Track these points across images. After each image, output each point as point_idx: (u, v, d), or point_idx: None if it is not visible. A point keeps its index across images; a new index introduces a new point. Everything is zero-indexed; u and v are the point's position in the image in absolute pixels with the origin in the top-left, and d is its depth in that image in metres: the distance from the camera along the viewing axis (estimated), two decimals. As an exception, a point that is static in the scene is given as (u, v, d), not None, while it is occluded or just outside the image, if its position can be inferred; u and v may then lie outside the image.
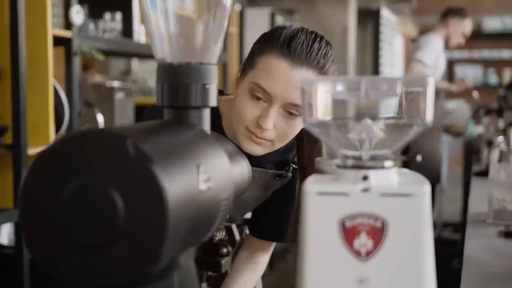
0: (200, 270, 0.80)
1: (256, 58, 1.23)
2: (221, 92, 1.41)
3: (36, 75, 2.38)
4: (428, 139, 4.09)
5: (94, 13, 2.91)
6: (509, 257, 1.47)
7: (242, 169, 0.81)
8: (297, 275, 0.66)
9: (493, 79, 9.15)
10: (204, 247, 0.80)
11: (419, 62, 4.15)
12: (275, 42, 1.21)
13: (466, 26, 4.32)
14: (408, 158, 3.54)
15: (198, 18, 0.76)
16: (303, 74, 1.19)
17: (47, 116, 2.40)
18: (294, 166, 1.42)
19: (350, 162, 0.67)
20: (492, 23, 9.05)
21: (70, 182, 0.57)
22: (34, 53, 2.37)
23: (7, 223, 2.64)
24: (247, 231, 1.49)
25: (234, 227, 0.84)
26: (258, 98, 1.21)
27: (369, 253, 0.63)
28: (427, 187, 0.64)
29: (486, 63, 9.20)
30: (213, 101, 0.75)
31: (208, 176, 0.66)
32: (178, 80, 0.73)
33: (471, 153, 4.36)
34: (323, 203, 0.64)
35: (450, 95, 8.29)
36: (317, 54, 1.21)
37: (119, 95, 2.93)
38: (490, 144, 3.07)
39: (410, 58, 4.37)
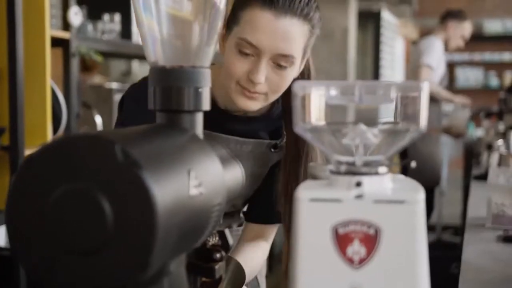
0: (193, 276, 0.79)
1: (239, 12, 1.23)
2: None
3: (34, 76, 2.37)
4: (427, 141, 4.08)
5: (93, 14, 2.90)
6: (508, 262, 1.46)
7: (235, 174, 0.80)
8: (289, 282, 0.65)
9: (494, 81, 9.14)
10: (197, 253, 0.79)
11: (427, 67, 4.15)
12: None
13: (465, 28, 4.31)
14: (403, 164, 3.54)
15: (191, 20, 0.75)
16: (288, 23, 1.19)
17: (45, 118, 2.39)
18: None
19: (343, 168, 0.66)
20: (493, 26, 9.05)
21: (58, 187, 0.56)
22: (32, 54, 2.36)
23: (4, 225, 2.62)
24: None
25: (227, 231, 0.83)
26: (247, 54, 1.21)
27: (362, 261, 0.62)
28: (421, 194, 0.63)
29: (487, 66, 9.19)
30: (206, 105, 0.75)
31: (200, 181, 0.65)
32: (170, 83, 0.72)
33: (471, 156, 4.35)
34: (315, 210, 0.64)
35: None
36: (300, 1, 1.20)
37: (118, 97, 2.92)
38: (490, 147, 3.06)
39: (414, 63, 4.33)
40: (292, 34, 1.20)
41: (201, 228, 0.67)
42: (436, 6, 8.87)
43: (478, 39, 9.01)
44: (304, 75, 1.34)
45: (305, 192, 0.64)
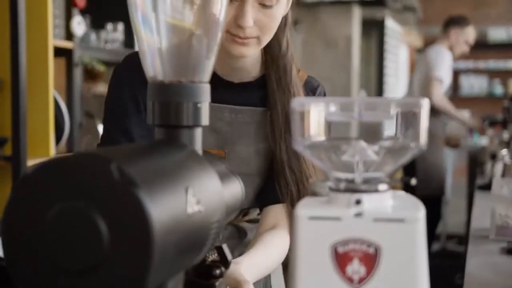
0: (193, 293, 0.78)
1: None
2: None
3: (37, 86, 2.38)
4: (432, 150, 4.07)
5: (96, 24, 2.91)
6: (510, 274, 1.45)
7: (234, 189, 0.80)
8: (288, 301, 0.65)
9: (498, 89, 9.12)
10: (196, 270, 0.78)
11: (438, 80, 4.14)
12: None
13: (468, 34, 4.29)
14: (403, 181, 3.52)
15: (190, 34, 0.75)
16: None
17: (47, 128, 2.39)
18: None
19: (343, 185, 0.65)
20: (498, 34, 9.04)
21: (54, 206, 0.56)
22: (35, 64, 2.36)
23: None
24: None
25: (225, 247, 0.82)
26: (230, 0, 1.18)
27: (362, 280, 0.62)
28: (421, 212, 0.63)
29: (492, 74, 9.18)
30: (205, 120, 0.74)
31: (198, 198, 0.64)
32: (169, 98, 0.72)
33: (476, 165, 4.34)
34: (315, 228, 0.63)
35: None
36: None
37: (121, 106, 2.91)
38: (494, 157, 3.04)
39: (422, 73, 4.30)
40: None
41: (199, 246, 0.67)
42: (440, 14, 8.85)
43: (482, 47, 9.00)
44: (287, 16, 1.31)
45: (304, 210, 0.63)
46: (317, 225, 0.63)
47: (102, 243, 0.54)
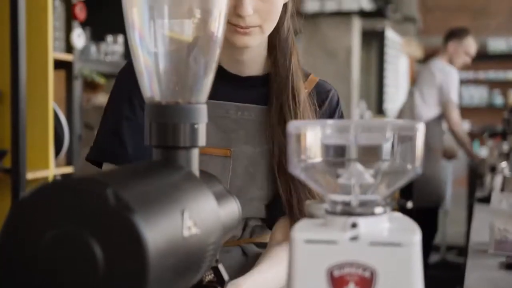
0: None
1: None
2: None
3: (36, 98, 2.38)
4: (429, 162, 4.07)
5: (96, 36, 2.92)
6: (510, 291, 1.44)
7: (231, 209, 0.80)
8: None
9: (498, 100, 9.13)
10: (193, 290, 0.78)
11: (456, 105, 4.17)
12: None
13: (467, 45, 4.29)
14: (399, 204, 3.54)
15: (187, 55, 0.75)
16: None
17: (47, 140, 2.39)
18: None
19: (339, 208, 0.65)
20: (497, 44, 9.05)
21: (49, 231, 0.56)
22: (35, 77, 2.37)
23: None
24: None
25: (221, 266, 0.81)
26: None
27: (357, 304, 0.62)
28: (417, 236, 0.63)
29: (492, 84, 9.19)
30: (202, 141, 0.74)
31: (194, 221, 0.64)
32: (166, 120, 0.72)
33: (475, 176, 4.33)
34: (311, 252, 0.63)
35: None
36: None
37: (120, 118, 2.92)
38: (493, 169, 3.04)
39: (427, 86, 4.27)
40: None
41: (196, 268, 0.67)
42: (440, 25, 8.88)
43: (482, 58, 9.00)
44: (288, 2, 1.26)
45: (300, 234, 0.63)
46: (313, 248, 0.63)
47: (97, 268, 0.54)
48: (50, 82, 2.40)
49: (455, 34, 4.33)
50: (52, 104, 2.42)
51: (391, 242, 0.62)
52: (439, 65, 4.31)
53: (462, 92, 9.22)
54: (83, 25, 2.71)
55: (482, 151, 6.46)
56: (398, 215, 0.70)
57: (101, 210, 0.55)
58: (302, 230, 0.64)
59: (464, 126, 8.83)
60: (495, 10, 9.11)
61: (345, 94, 5.28)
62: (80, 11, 2.59)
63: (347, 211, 0.65)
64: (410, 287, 0.62)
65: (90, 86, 3.52)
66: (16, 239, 0.57)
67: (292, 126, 0.66)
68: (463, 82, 9.16)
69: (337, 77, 5.25)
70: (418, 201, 3.81)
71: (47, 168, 2.41)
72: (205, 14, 0.75)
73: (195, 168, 0.74)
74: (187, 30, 0.75)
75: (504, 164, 2.99)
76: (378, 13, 5.74)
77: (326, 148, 0.66)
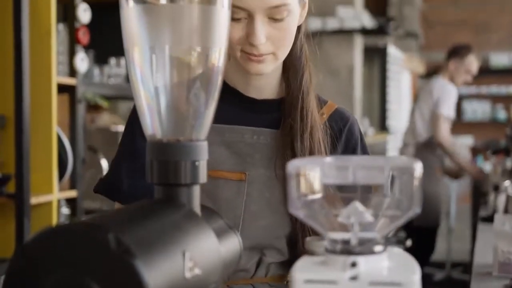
0: None
1: None
2: None
3: (40, 123, 2.39)
4: (428, 182, 4.06)
5: (100, 59, 2.94)
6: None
7: (232, 244, 0.80)
8: None
9: (501, 114, 9.14)
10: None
11: (446, 118, 4.15)
12: None
13: (468, 64, 4.29)
14: (397, 240, 3.53)
15: (187, 92, 0.75)
16: None
17: (51, 165, 2.40)
18: None
19: (338, 247, 0.66)
20: (500, 59, 9.08)
21: (52, 276, 0.57)
22: (38, 102, 2.38)
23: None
24: None
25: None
26: (239, 18, 1.12)
27: None
28: (417, 275, 0.63)
29: (495, 99, 9.20)
30: (203, 177, 0.75)
31: (195, 262, 0.65)
32: (168, 157, 0.73)
33: (479, 194, 4.32)
34: (311, 291, 0.63)
35: (454, 131, 8.28)
36: None
37: (124, 140, 2.93)
38: (496, 188, 3.03)
39: (426, 104, 4.30)
40: None
41: (197, 307, 0.67)
42: (442, 40, 8.92)
43: (484, 73, 9.03)
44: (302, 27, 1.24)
45: (300, 274, 0.64)
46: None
47: (99, 312, 0.55)
48: (53, 107, 2.42)
49: (456, 52, 4.34)
50: (55, 129, 2.44)
51: (391, 282, 0.62)
52: (439, 83, 4.33)
53: (465, 107, 9.23)
54: (86, 48, 2.73)
55: (486, 166, 6.45)
56: (398, 251, 0.71)
57: (102, 255, 0.56)
58: (302, 269, 0.65)
59: (467, 141, 8.86)
60: (496, 25, 9.14)
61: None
62: (83, 35, 2.61)
63: (347, 249, 0.65)
64: (410, 327, 0.62)
65: (94, 106, 3.54)
66: (20, 283, 0.58)
67: (292, 165, 0.67)
68: (465, 97, 9.19)
69: (339, 95, 5.26)
70: (416, 220, 3.80)
71: (51, 192, 2.42)
72: (206, 51, 0.75)
73: (196, 204, 0.75)
74: (188, 67, 0.76)
75: (507, 182, 2.99)
76: (380, 31, 5.76)
77: (325, 187, 0.67)
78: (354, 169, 0.66)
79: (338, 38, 5.32)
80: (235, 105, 1.25)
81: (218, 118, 1.18)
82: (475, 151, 8.93)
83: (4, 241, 2.34)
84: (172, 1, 0.73)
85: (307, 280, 0.63)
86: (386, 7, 8.71)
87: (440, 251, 5.54)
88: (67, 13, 2.66)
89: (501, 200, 2.77)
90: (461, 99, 9.20)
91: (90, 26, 2.70)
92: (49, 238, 0.58)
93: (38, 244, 0.58)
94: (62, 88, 2.55)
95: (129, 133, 1.25)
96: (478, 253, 2.15)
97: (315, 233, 1.12)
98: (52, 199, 2.44)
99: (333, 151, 1.25)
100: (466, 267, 5.02)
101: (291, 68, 1.24)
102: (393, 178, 0.66)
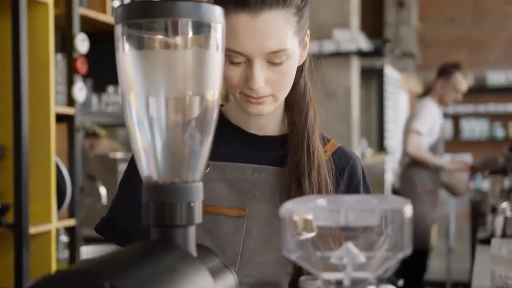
0: None
1: None
2: None
3: (39, 153, 2.41)
4: (413, 204, 4.06)
5: (98, 87, 2.96)
6: None
7: (228, 285, 0.81)
8: None
9: (499, 132, 9.18)
10: None
11: (416, 132, 4.16)
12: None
13: (455, 82, 4.27)
14: (389, 280, 3.52)
15: (183, 134, 0.77)
16: (266, 19, 1.11)
17: (49, 194, 2.41)
18: None
19: (332, 287, 0.67)
20: (496, 78, 9.13)
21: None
22: (37, 131, 2.40)
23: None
24: None
25: None
26: (238, 62, 1.13)
27: None
28: (408, 316, 0.64)
29: (492, 117, 9.24)
30: (198, 218, 0.76)
31: (190, 304, 0.66)
32: (163, 199, 0.74)
33: (477, 213, 4.33)
34: (305, 333, 0.64)
35: (452, 149, 8.30)
36: None
37: (122, 167, 2.95)
38: (494, 210, 3.04)
39: (406, 127, 4.37)
40: (274, 28, 1.12)
41: None
42: (438, 59, 8.95)
43: (482, 91, 9.10)
44: (305, 64, 1.25)
45: (294, 316, 0.65)
46: (307, 330, 0.64)
47: None
48: (52, 136, 2.43)
49: (443, 71, 4.36)
50: (54, 158, 2.45)
51: (383, 323, 0.63)
52: (426, 103, 4.36)
53: (463, 126, 9.27)
54: (85, 77, 2.75)
55: (484, 185, 6.45)
56: (390, 288, 0.72)
57: (99, 303, 0.57)
58: (296, 311, 0.66)
59: (466, 159, 8.87)
60: (493, 43, 9.21)
61: (345, 133, 5.31)
62: (82, 65, 2.63)
63: (340, 291, 0.66)
64: None
65: (93, 134, 3.56)
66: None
67: (284, 209, 0.68)
68: (463, 115, 9.23)
69: (336, 117, 5.29)
70: None
71: (50, 222, 2.42)
72: (201, 93, 0.77)
73: (192, 245, 0.76)
74: (183, 110, 0.77)
75: (505, 204, 3.00)
76: (376, 53, 5.80)
77: (318, 229, 0.68)
78: (346, 211, 0.67)
79: (335, 61, 5.36)
80: (237, 142, 1.26)
81: (221, 155, 1.20)
82: (474, 170, 8.97)
83: (3, 271, 2.35)
84: (167, 46, 0.75)
85: (301, 322, 0.65)
86: (382, 27, 8.78)
87: (440, 271, 5.53)
88: (65, 43, 2.68)
89: (499, 222, 2.78)
90: (459, 117, 9.25)
91: (88, 54, 2.72)
92: (47, 286, 0.59)
93: (36, 293, 0.59)
94: (60, 118, 2.56)
95: (128, 175, 1.27)
96: (476, 277, 2.15)
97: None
98: (51, 228, 2.45)
99: (336, 188, 1.25)
100: (466, 286, 5.01)
101: (295, 106, 1.24)
102: (384, 219, 0.67)
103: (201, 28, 0.74)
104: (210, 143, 0.78)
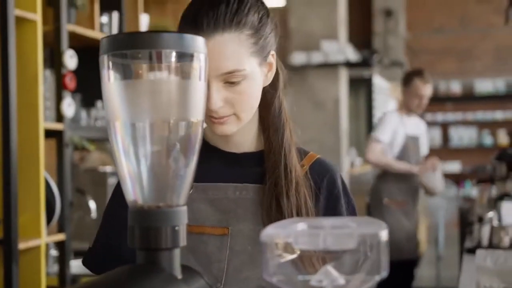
0: None
1: None
2: None
3: (28, 168, 2.42)
4: (376, 213, 4.06)
5: (87, 102, 2.97)
6: None
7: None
8: None
9: (488, 140, 9.24)
10: None
11: (376, 140, 4.17)
12: (182, 23, 1.19)
13: (415, 88, 4.21)
14: None
15: (167, 160, 0.79)
16: (218, 41, 1.14)
17: (39, 210, 2.42)
18: None
19: (312, 311, 0.69)
20: (484, 86, 9.20)
21: None
22: (26, 147, 2.41)
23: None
24: None
25: None
26: None
27: None
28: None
29: (481, 125, 9.30)
30: (183, 240, 0.78)
31: (175, 328, 0.68)
32: (148, 223, 0.76)
33: (465, 221, 4.35)
34: None
35: (441, 157, 8.35)
36: (226, 14, 1.16)
37: (112, 180, 2.96)
38: (480, 220, 3.07)
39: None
40: (228, 50, 1.15)
41: None
42: (427, 68, 8.98)
43: (470, 99, 9.17)
44: (274, 79, 1.26)
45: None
46: None
47: None
48: (41, 152, 2.45)
49: (404, 79, 4.37)
50: (43, 173, 2.46)
51: None
52: (387, 113, 4.39)
53: (452, 133, 9.33)
54: (74, 91, 2.77)
55: (473, 192, 6.49)
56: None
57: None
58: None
59: (455, 167, 8.93)
60: (480, 52, 9.28)
61: (334, 143, 5.35)
62: (70, 81, 2.65)
63: (320, 314, 0.68)
64: None
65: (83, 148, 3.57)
66: None
67: (265, 234, 0.70)
68: (452, 123, 9.29)
69: (325, 127, 5.32)
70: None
71: (39, 237, 2.44)
72: (184, 121, 0.79)
73: (177, 267, 0.78)
74: (168, 138, 0.79)
75: (491, 214, 3.03)
76: (364, 63, 5.85)
77: (297, 253, 0.71)
78: (325, 236, 0.69)
79: (323, 71, 5.40)
80: (217, 162, 1.28)
81: (203, 177, 1.22)
82: (463, 177, 9.02)
83: (-7, 288, 2.35)
84: (152, 76, 0.77)
85: None
86: (371, 37, 8.84)
87: (429, 279, 5.56)
88: (53, 60, 2.70)
89: (485, 231, 2.82)
90: (447, 125, 9.32)
91: (77, 69, 2.74)
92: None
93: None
94: (49, 133, 2.58)
95: (110, 204, 1.31)
96: (463, 287, 2.18)
97: None
98: (40, 243, 2.46)
99: (316, 204, 1.27)
100: (456, 294, 5.04)
101: (271, 127, 1.27)
102: (362, 243, 0.70)
103: (184, 58, 0.77)
104: (194, 167, 0.80)
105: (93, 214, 2.80)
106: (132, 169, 0.78)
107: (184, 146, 0.79)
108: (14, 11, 2.35)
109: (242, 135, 1.27)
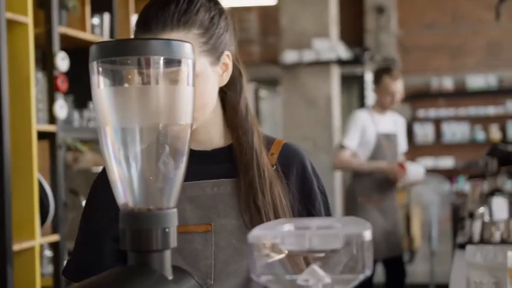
0: None
1: None
2: None
3: (21, 170, 2.43)
4: (358, 214, 4.02)
5: (79, 103, 2.99)
6: None
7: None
8: None
9: (480, 135, 9.27)
10: None
11: (342, 148, 4.10)
12: (135, 25, 1.21)
13: (385, 85, 4.16)
14: None
15: (156, 163, 0.81)
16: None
17: (33, 211, 2.44)
18: None
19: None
20: (476, 81, 9.23)
21: None
22: (19, 149, 2.42)
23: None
24: None
25: None
26: None
27: None
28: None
29: (473, 120, 9.33)
30: (173, 242, 0.80)
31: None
32: (139, 226, 0.78)
33: (457, 216, 4.38)
34: None
35: (434, 153, 8.36)
36: (174, 15, 1.18)
37: (105, 181, 2.96)
38: (471, 215, 3.10)
39: None
40: None
41: None
42: (419, 64, 9.08)
43: (462, 95, 9.20)
44: (235, 80, 1.29)
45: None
46: None
47: None
48: (34, 154, 2.46)
49: (374, 78, 4.35)
50: (36, 175, 2.48)
51: None
52: (353, 115, 4.29)
53: (444, 129, 9.35)
54: (66, 93, 2.78)
55: (466, 187, 6.52)
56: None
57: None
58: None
59: (448, 163, 8.96)
60: (472, 48, 9.31)
61: (327, 141, 5.37)
62: (62, 83, 2.66)
63: (306, 313, 0.70)
64: None
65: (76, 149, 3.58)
66: None
67: (252, 236, 0.72)
68: (444, 119, 9.32)
69: (318, 124, 5.34)
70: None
71: (33, 238, 2.45)
72: (173, 125, 0.81)
73: (168, 268, 0.80)
74: (157, 142, 0.81)
75: (482, 209, 3.06)
76: (356, 61, 5.87)
77: (284, 253, 0.72)
78: (311, 236, 0.71)
79: (315, 69, 5.42)
80: (190, 161, 1.28)
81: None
82: (456, 173, 9.06)
83: (-12, 289, 2.36)
84: (141, 82, 0.79)
85: None
86: (362, 34, 8.85)
87: (423, 274, 5.59)
88: (45, 62, 2.71)
89: (477, 227, 2.84)
90: (440, 121, 9.34)
91: (69, 70, 2.75)
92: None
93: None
94: (42, 135, 2.59)
95: (87, 206, 1.33)
96: (454, 282, 2.20)
97: None
98: (34, 244, 2.47)
99: (288, 189, 1.30)
100: (450, 289, 5.06)
101: (239, 129, 1.29)
102: (346, 243, 0.72)
103: (172, 63, 0.79)
104: (183, 170, 0.82)
105: (87, 214, 2.81)
106: (122, 173, 0.79)
107: (173, 149, 0.81)
108: (5, 14, 2.36)
109: (208, 133, 1.29)
